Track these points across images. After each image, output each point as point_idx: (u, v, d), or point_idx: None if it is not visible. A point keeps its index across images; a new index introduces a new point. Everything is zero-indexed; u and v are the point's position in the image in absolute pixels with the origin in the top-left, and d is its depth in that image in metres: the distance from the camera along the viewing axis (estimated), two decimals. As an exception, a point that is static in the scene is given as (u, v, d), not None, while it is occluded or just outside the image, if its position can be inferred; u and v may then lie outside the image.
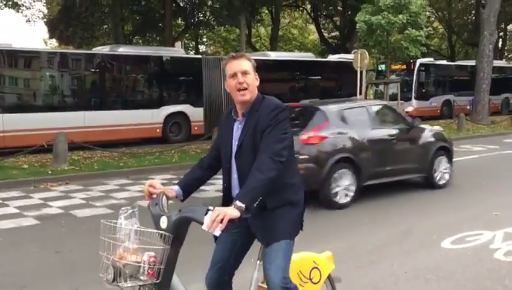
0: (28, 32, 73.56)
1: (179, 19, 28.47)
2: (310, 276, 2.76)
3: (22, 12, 26.14)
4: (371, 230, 5.84)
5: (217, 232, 2.10)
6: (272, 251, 2.52)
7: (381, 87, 20.69)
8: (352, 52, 19.50)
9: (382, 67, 22.93)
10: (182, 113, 15.74)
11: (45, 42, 36.62)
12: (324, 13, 32.58)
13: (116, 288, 2.10)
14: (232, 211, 2.19)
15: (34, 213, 6.82)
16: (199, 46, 35.84)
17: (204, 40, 38.31)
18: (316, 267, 2.81)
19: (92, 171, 10.11)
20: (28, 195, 8.12)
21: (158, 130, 15.20)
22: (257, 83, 2.61)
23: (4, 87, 13.16)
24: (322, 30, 33.16)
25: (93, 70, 14.82)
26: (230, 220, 2.15)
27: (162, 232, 2.18)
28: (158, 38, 27.79)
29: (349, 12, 26.63)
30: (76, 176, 9.64)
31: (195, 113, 15.94)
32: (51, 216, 6.72)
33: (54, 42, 33.08)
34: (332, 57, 21.04)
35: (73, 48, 22.35)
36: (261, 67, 15.98)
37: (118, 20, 22.99)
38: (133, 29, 28.27)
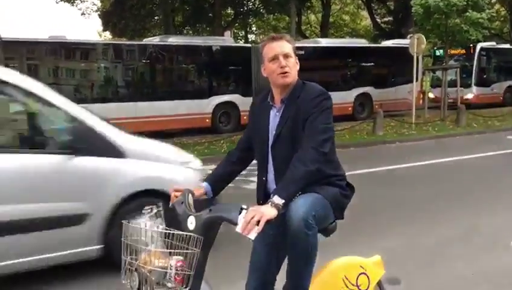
0: (84, 25, 76.19)
1: (229, 9, 28.41)
2: (357, 282, 2.51)
3: (76, 5, 27.02)
4: (430, 226, 5.45)
5: (252, 235, 1.87)
6: (306, 195, 2.23)
7: (438, 73, 19.73)
8: (408, 37, 18.71)
9: (440, 52, 21.88)
10: (231, 103, 15.67)
11: (99, 34, 37.72)
12: (377, -3, 31.52)
13: None
14: (270, 210, 1.96)
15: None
16: (248, 35, 35.71)
17: (254, 28, 38.13)
18: (363, 273, 2.56)
19: (143, 161, 10.18)
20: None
21: (207, 120, 15.22)
22: (297, 67, 2.40)
23: (59, 79, 13.56)
24: (375, 15, 32.10)
25: (144, 61, 15.00)
26: (268, 221, 1.92)
27: (190, 234, 1.94)
28: (208, 28, 27.87)
29: (404, -4, 25.59)
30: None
31: (245, 103, 15.78)
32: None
33: (107, 34, 33.98)
34: (386, 43, 20.30)
35: (125, 40, 22.80)
36: (312, 54, 15.72)
37: (168, 11, 23.20)
38: (183, 20, 28.48)
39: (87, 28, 66.50)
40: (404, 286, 2.82)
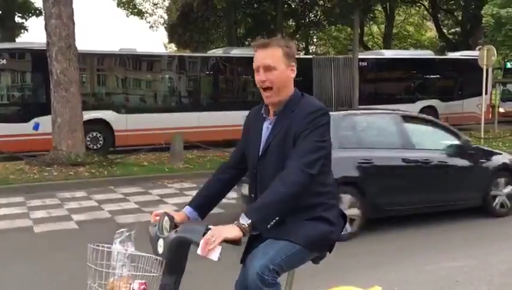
0: (151, 37, 79.19)
1: (290, 20, 28.57)
2: None
3: (145, 19, 28.23)
4: (504, 245, 5.16)
5: (214, 257, 1.71)
6: (270, 243, 2.03)
7: (509, 86, 18.77)
8: (477, 48, 17.96)
9: (511, 64, 20.82)
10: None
11: (165, 46, 39.07)
12: (444, 8, 30.53)
13: None
14: (230, 231, 1.78)
15: (151, 209, 7.14)
16: (309, 46, 35.67)
17: (315, 40, 38.05)
18: None
19: (205, 169, 10.38)
20: (147, 191, 8.56)
21: (268, 131, 15.30)
22: (292, 76, 2.13)
23: (128, 89, 14.18)
24: (441, 26, 31.09)
25: (207, 72, 15.37)
26: (231, 242, 1.76)
27: (154, 257, 1.83)
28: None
29: (473, 6, 24.64)
30: (191, 174, 9.98)
31: (305, 114, 15.79)
32: (166, 213, 6.98)
33: (172, 46, 35.15)
34: (453, 54, 19.58)
35: (190, 52, 23.50)
36: (375, 66, 15.46)
37: (231, 24, 23.68)
38: (245, 31, 28.96)
39: (154, 40, 69.11)
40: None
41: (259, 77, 2.09)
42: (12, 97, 13.19)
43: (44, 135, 11.46)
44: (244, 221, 1.83)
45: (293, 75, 2.14)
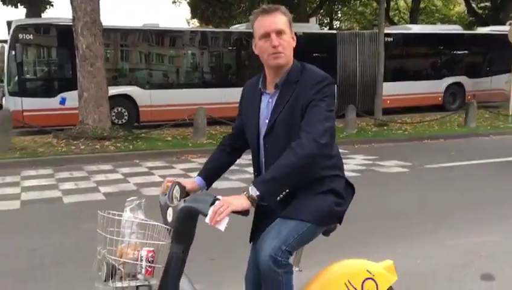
0: (174, 13, 78.92)
1: (314, -5, 28.10)
2: (362, 288, 2.20)
3: (168, -6, 28.07)
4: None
5: (221, 227, 1.73)
6: (280, 223, 2.01)
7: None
8: (507, 23, 17.41)
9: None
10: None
11: (188, 22, 38.91)
12: (474, -19, 29.53)
13: (109, 287, 1.80)
14: (240, 201, 1.78)
15: (175, 183, 7.27)
16: (333, 21, 35.07)
17: (339, 15, 37.38)
18: (371, 278, 2.22)
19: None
20: (171, 165, 8.69)
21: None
22: (293, 44, 2.07)
23: (152, 65, 14.27)
24: (470, 0, 30.13)
25: (230, 48, 15.32)
26: (239, 213, 1.77)
27: (162, 225, 1.85)
28: (293, 14, 27.82)
29: (505, -21, 23.77)
30: (211, 149, 10.05)
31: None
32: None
33: (195, 22, 35.00)
34: (483, 30, 19.02)
35: (212, 27, 23.40)
36: (401, 41, 15.17)
37: (254, -1, 23.42)
38: (269, 6, 28.66)
39: (176, 16, 68.89)
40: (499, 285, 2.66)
41: (273, 42, 1.99)
42: (40, 72, 13.44)
43: (71, 110, 11.68)
44: (253, 192, 1.81)
45: (294, 43, 2.09)
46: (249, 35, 14.93)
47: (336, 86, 2.04)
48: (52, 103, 12.48)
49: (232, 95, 14.15)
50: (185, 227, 1.83)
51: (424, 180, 7.31)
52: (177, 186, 2.01)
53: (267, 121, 2.06)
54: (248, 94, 2.20)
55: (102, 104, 10.53)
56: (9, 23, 12.70)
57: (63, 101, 12.54)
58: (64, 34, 12.01)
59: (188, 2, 30.03)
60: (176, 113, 12.68)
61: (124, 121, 13.32)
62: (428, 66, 17.42)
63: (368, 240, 4.46)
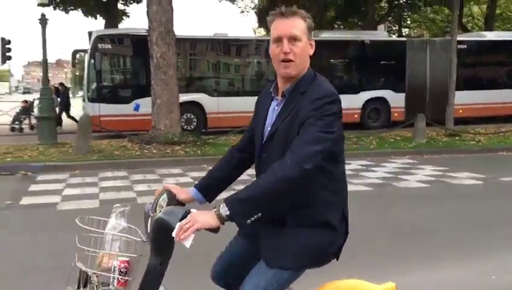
0: (241, 22, 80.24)
1: (382, 1, 27.59)
2: None
3: (237, 4, 28.79)
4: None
5: (187, 244, 1.62)
6: (260, 271, 1.87)
7: None
8: None
9: None
10: (381, 99, 15.33)
11: (254, 31, 39.53)
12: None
13: None
14: (206, 219, 1.65)
15: (240, 186, 7.44)
16: (402, 28, 34.22)
17: (408, 22, 36.41)
18: None
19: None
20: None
21: (356, 116, 15.10)
22: (311, 52, 1.91)
23: (220, 73, 14.68)
24: (553, 4, 28.34)
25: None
26: (209, 230, 1.65)
27: (137, 239, 1.78)
28: (360, 22, 27.46)
29: None
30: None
31: (396, 99, 15.36)
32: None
33: (261, 31, 35.49)
34: None
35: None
36: (475, 49, 14.58)
37: (321, 7, 23.43)
38: (336, 15, 28.47)
39: (244, 25, 70.15)
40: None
41: (284, 48, 1.84)
42: (116, 80, 14.24)
43: (144, 116, 12.27)
44: (223, 211, 1.68)
45: (312, 51, 1.92)
46: (316, 44, 15.13)
47: (338, 104, 1.83)
48: (127, 109, 13.17)
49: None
50: (159, 239, 1.72)
51: (499, 193, 7.00)
52: (165, 194, 1.93)
53: (269, 128, 1.94)
54: (262, 97, 2.08)
55: (173, 110, 10.98)
56: (90, 34, 13.58)
57: (137, 108, 13.21)
58: (139, 43, 12.65)
59: (255, 12, 30.56)
60: (242, 120, 12.91)
61: (192, 127, 13.80)
62: (504, 75, 16.60)
63: (442, 254, 4.35)
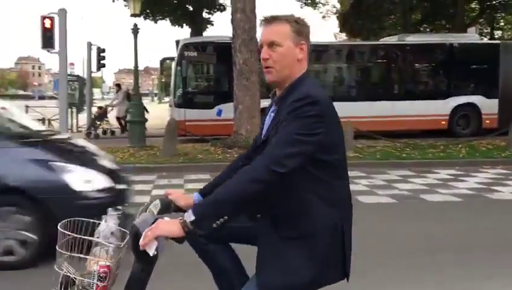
0: (321, 27, 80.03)
1: (473, 3, 26.17)
2: None
3: (318, 9, 28.80)
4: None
5: (150, 251, 1.60)
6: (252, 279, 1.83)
7: None
8: None
9: None
10: (471, 105, 14.49)
11: (335, 36, 39.17)
12: None
13: None
14: (168, 227, 1.61)
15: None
16: (495, 31, 32.19)
17: (502, 24, 34.18)
18: None
19: (375, 159, 10.29)
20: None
21: (444, 122, 14.41)
22: (300, 56, 1.82)
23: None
24: None
25: (379, 60, 15.10)
26: (171, 238, 1.61)
27: (112, 244, 1.75)
28: (447, 25, 26.26)
29: None
30: (360, 163, 9.97)
31: (488, 105, 14.44)
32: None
33: (343, 36, 35.08)
34: None
35: (360, 40, 23.25)
36: None
37: (406, 9, 22.73)
38: (421, 17, 27.47)
39: (325, 30, 70.03)
40: None
41: (262, 54, 1.82)
42: (200, 86, 14.74)
43: (226, 121, 12.58)
44: (188, 217, 1.62)
45: (302, 55, 1.83)
46: (401, 48, 14.74)
47: (320, 106, 1.71)
48: (210, 114, 13.58)
49: (380, 109, 13.92)
50: (136, 246, 1.67)
51: None
52: (157, 200, 1.90)
53: (263, 135, 1.92)
54: (270, 104, 2.03)
55: (255, 115, 11.15)
56: (177, 42, 14.19)
57: (219, 113, 13.58)
58: (223, 50, 12.98)
59: (337, 16, 30.29)
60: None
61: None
62: None
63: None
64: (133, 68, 13.11)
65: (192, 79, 14.48)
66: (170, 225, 1.62)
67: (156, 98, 63.17)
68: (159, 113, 18.88)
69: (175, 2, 20.18)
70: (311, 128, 1.68)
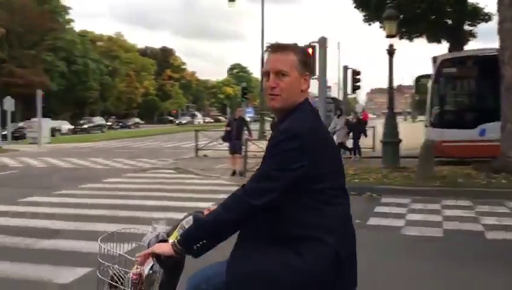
0: None
1: None
2: None
3: None
4: None
5: (145, 269, 1.77)
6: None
7: None
8: None
9: None
10: None
11: None
12: None
13: None
14: (161, 245, 1.79)
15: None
16: None
17: None
18: None
19: None
20: None
21: None
22: (304, 87, 1.87)
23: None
24: None
25: None
26: (165, 258, 1.77)
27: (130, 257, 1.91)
28: None
29: None
30: None
31: None
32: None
33: None
34: None
35: None
36: None
37: None
38: None
39: None
40: None
41: (269, 82, 1.85)
42: (460, 104, 13.72)
43: (490, 142, 11.34)
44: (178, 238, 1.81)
45: (306, 86, 1.88)
46: None
47: (301, 140, 1.72)
48: (471, 134, 12.47)
49: None
50: (159, 257, 1.81)
51: None
52: (191, 217, 1.94)
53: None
54: None
55: None
56: (434, 59, 13.57)
57: (482, 132, 12.35)
58: (486, 64, 11.86)
59: None
60: None
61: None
62: None
63: None
64: (385, 88, 13.11)
65: (450, 97, 13.61)
66: (163, 245, 1.81)
67: (409, 117, 61.51)
68: (412, 132, 18.35)
69: (432, 17, 19.38)
70: (289, 163, 1.72)
